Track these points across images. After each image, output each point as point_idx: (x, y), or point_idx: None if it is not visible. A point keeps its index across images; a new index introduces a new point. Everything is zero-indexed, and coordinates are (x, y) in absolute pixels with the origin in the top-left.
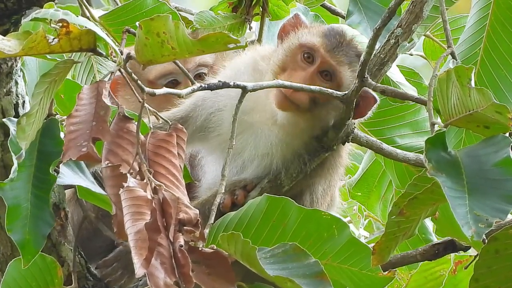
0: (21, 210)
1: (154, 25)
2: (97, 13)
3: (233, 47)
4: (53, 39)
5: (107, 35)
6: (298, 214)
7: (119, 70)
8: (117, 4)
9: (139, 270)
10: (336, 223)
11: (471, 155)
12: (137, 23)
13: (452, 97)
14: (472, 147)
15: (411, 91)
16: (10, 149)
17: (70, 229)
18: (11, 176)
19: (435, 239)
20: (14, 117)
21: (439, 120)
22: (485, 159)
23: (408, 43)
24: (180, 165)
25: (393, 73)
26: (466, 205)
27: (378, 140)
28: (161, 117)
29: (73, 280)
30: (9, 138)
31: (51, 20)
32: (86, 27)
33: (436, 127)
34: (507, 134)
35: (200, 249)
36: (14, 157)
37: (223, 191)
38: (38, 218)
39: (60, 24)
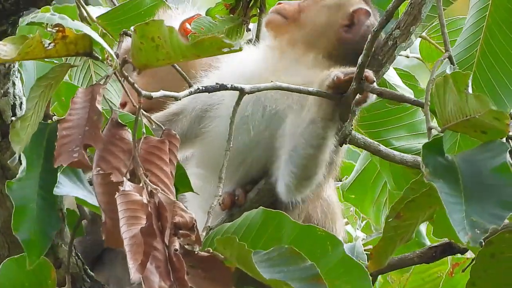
0: (28, 211)
1: (148, 30)
2: (95, 12)
3: (228, 51)
4: (49, 43)
5: (103, 37)
6: (293, 229)
7: (115, 73)
8: (114, 5)
9: (134, 275)
10: (330, 240)
11: (468, 160)
12: (131, 28)
13: (449, 102)
14: (469, 152)
15: (408, 93)
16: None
17: (68, 231)
18: (19, 175)
19: (428, 243)
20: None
21: (435, 124)
22: (482, 164)
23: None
24: (171, 172)
25: (390, 75)
26: (463, 210)
27: (375, 142)
28: (154, 121)
29: (67, 281)
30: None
31: (47, 24)
32: (82, 31)
33: (433, 132)
34: (504, 139)
35: (196, 252)
36: (22, 157)
37: (220, 193)
38: (44, 219)
39: (56, 28)
